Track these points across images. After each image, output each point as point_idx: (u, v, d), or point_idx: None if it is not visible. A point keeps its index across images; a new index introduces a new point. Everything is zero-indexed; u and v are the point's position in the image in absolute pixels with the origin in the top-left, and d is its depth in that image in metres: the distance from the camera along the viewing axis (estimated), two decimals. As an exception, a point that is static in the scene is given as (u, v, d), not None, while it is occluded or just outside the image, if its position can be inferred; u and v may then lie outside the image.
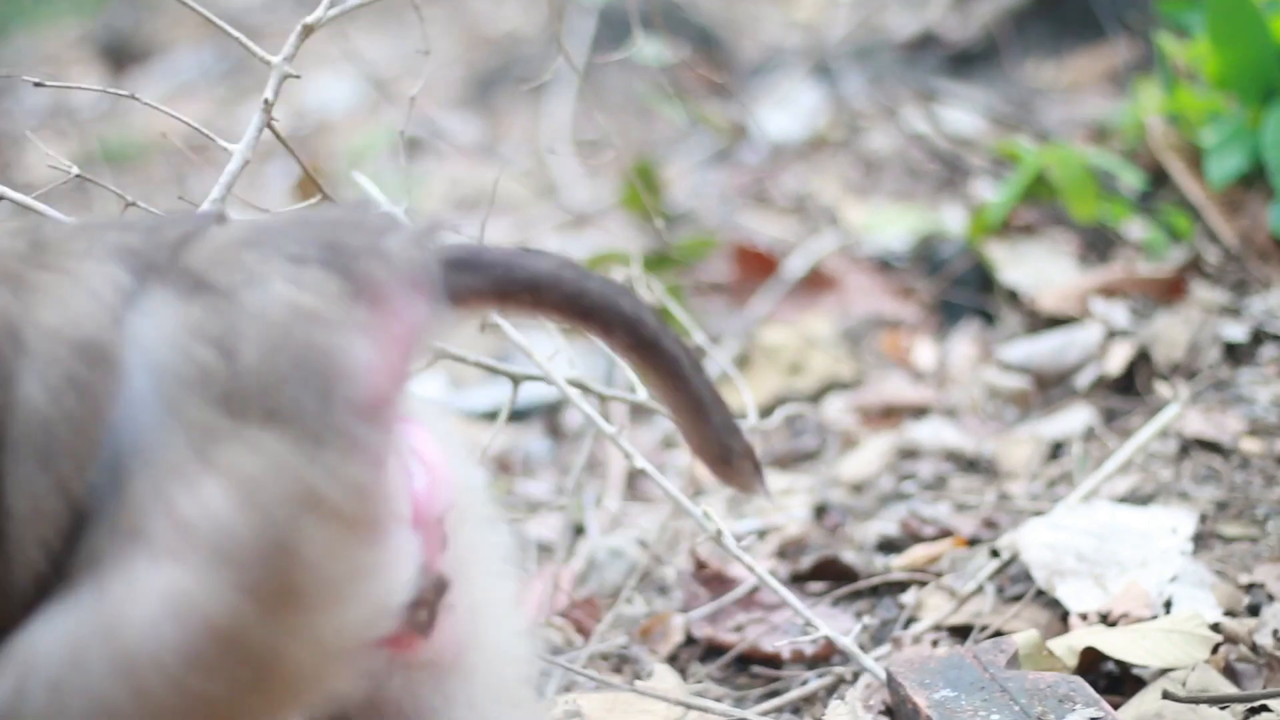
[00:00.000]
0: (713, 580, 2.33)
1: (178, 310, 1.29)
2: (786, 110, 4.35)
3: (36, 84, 1.96)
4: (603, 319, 1.40)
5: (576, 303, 1.39)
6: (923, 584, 2.29)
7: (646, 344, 1.41)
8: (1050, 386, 2.82)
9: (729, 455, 1.47)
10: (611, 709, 2.00)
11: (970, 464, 2.64)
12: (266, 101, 1.90)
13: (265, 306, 1.28)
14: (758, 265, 3.30)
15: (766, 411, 2.57)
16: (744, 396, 2.42)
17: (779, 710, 2.07)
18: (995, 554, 2.29)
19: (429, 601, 1.39)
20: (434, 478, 1.38)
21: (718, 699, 2.10)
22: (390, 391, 1.30)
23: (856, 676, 2.08)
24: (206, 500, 1.24)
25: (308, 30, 1.98)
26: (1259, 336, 2.72)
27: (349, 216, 1.38)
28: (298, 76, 1.96)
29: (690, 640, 2.27)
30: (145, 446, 1.26)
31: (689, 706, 1.98)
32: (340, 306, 1.29)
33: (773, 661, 2.20)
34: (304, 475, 1.25)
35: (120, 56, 7.88)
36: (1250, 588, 2.16)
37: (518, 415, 3.18)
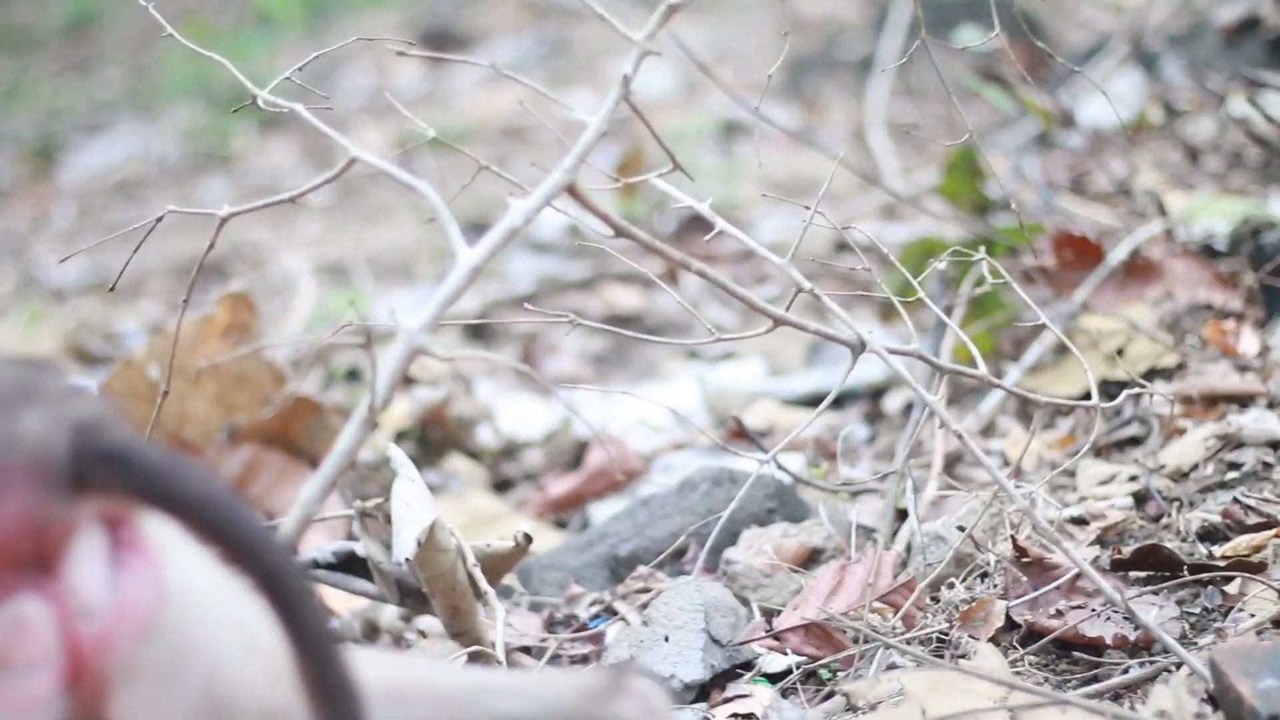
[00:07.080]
0: (1033, 566, 2.34)
1: None
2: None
3: (400, 53, 2.01)
4: (242, 563, 1.29)
5: (217, 537, 1.29)
6: (1249, 573, 2.28)
7: (280, 601, 1.30)
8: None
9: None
10: (935, 688, 2.03)
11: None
12: (625, 77, 1.95)
13: None
14: (1080, 252, 3.28)
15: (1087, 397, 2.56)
16: (1086, 375, 2.42)
17: (1100, 695, 2.08)
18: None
19: None
20: (122, 620, 1.29)
21: (1038, 684, 2.12)
22: None
23: (1180, 665, 2.08)
24: None
25: (671, 10, 2.03)
26: None
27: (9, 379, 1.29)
28: (658, 54, 2.01)
29: (1011, 625, 2.29)
30: None
31: (1013, 687, 1.99)
32: None
33: (1094, 648, 2.22)
34: None
35: (439, 43, 8.05)
36: None
37: (836, 400, 3.22)
